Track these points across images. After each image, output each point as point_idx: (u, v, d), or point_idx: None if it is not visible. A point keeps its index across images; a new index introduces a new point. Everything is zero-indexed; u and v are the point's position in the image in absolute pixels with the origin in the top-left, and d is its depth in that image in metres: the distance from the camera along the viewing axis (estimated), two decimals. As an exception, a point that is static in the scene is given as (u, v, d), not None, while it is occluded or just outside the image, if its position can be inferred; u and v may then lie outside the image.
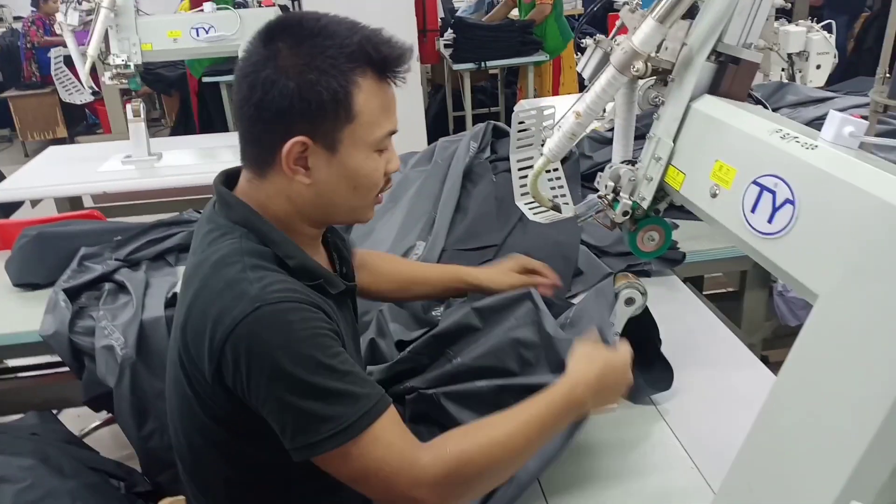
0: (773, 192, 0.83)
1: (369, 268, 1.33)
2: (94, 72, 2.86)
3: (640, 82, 1.22)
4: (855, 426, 0.66)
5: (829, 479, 0.67)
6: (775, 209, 0.83)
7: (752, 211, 0.87)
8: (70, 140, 6.02)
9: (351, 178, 0.97)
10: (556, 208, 1.28)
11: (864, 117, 2.22)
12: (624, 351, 1.09)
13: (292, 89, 0.90)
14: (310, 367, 0.86)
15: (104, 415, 2.48)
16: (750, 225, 0.87)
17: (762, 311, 2.00)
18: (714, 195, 0.95)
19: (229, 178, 1.04)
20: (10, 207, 2.96)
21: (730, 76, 1.05)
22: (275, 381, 0.86)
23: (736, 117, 0.96)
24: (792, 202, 0.80)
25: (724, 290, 2.41)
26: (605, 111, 2.24)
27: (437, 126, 4.96)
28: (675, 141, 1.07)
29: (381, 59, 0.94)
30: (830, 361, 0.70)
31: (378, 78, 0.95)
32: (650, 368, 1.30)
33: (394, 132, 1.00)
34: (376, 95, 0.95)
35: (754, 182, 0.87)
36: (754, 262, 1.85)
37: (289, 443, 0.88)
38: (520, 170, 1.37)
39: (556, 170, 1.39)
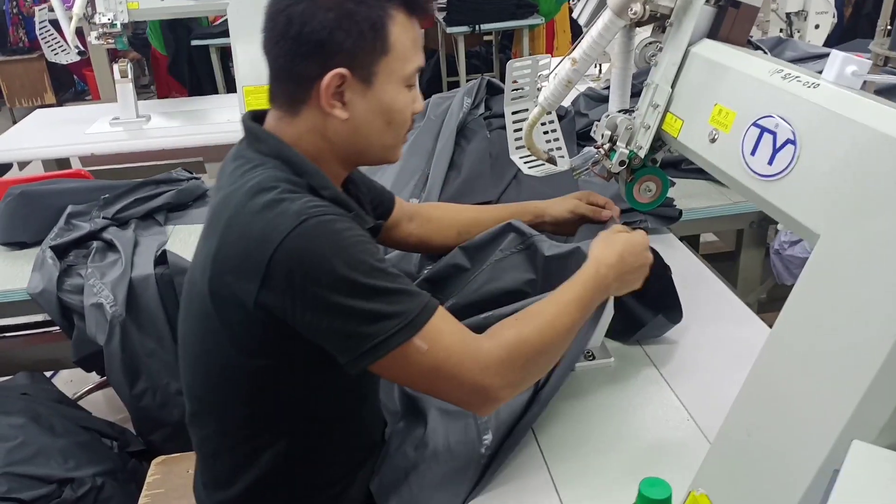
0: (774, 133, 0.81)
1: (423, 217, 1.32)
2: (81, 35, 2.81)
3: (638, 38, 1.20)
4: (857, 364, 0.64)
5: (830, 418, 0.66)
6: (776, 150, 0.81)
7: (752, 154, 0.85)
8: (58, 106, 5.94)
9: (385, 112, 0.97)
10: (552, 160, 1.26)
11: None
12: (641, 234, 1.12)
13: (332, 20, 0.90)
14: (365, 270, 0.86)
15: (97, 378, 2.48)
16: (750, 168, 0.85)
17: (758, 270, 1.99)
18: (713, 140, 0.93)
19: (256, 118, 1.02)
20: (1, 171, 2.92)
21: (730, 20, 1.02)
22: (333, 288, 0.85)
23: (736, 60, 0.93)
24: (793, 142, 0.78)
25: (719, 252, 2.41)
26: (601, 71, 2.21)
27: (431, 91, 4.82)
28: (672, 87, 1.04)
29: None
30: (832, 300, 0.69)
31: (408, 13, 0.96)
32: (662, 303, 1.27)
33: (422, 68, 1.00)
34: (408, 29, 0.96)
35: (754, 124, 0.85)
36: (750, 221, 1.87)
37: (351, 352, 0.87)
38: (514, 122, 1.34)
39: (551, 122, 1.36)
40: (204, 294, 0.94)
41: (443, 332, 0.90)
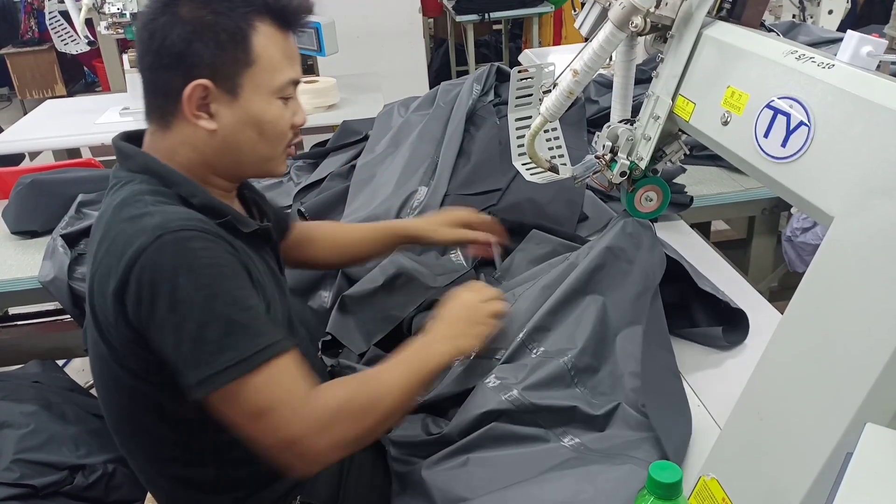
0: (788, 115, 0.80)
1: (310, 237, 1.33)
2: (91, 26, 2.81)
3: (640, 48, 1.19)
4: (871, 347, 0.64)
5: (843, 401, 0.65)
6: (789, 132, 0.80)
7: (766, 136, 0.84)
8: (68, 97, 5.96)
9: (255, 124, 0.96)
10: (554, 169, 1.25)
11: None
12: (477, 287, 1.13)
13: (189, 32, 0.91)
14: (210, 295, 0.84)
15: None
16: (763, 150, 0.84)
17: (770, 257, 1.98)
18: (725, 123, 0.92)
19: (130, 138, 1.02)
20: (10, 161, 2.93)
21: (743, 2, 1.01)
22: (175, 308, 0.83)
23: (749, 41, 0.92)
24: (807, 124, 0.77)
25: (730, 240, 2.39)
26: (611, 58, 2.19)
27: (440, 81, 4.87)
28: (684, 72, 1.03)
29: (279, 6, 0.95)
30: (846, 282, 0.68)
31: (278, 26, 0.96)
32: (729, 319, 1.22)
33: (297, 82, 0.99)
34: (276, 42, 0.96)
35: (768, 106, 0.84)
36: (762, 208, 1.85)
37: (185, 379, 0.85)
38: (518, 129, 1.35)
39: (554, 129, 1.37)
40: (90, 317, 0.94)
41: (277, 379, 0.86)
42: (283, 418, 0.85)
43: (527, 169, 1.33)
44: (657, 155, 1.14)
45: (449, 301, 1.10)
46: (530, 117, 1.34)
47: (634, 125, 1.14)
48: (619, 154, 1.15)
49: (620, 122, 1.17)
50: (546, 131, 1.38)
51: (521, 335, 1.11)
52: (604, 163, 1.17)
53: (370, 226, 1.42)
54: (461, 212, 1.40)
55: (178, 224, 0.86)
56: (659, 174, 1.18)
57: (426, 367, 0.99)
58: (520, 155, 1.35)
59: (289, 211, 1.31)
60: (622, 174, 1.15)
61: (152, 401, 0.96)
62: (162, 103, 0.96)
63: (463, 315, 1.07)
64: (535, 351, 1.10)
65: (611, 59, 2.43)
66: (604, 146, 1.16)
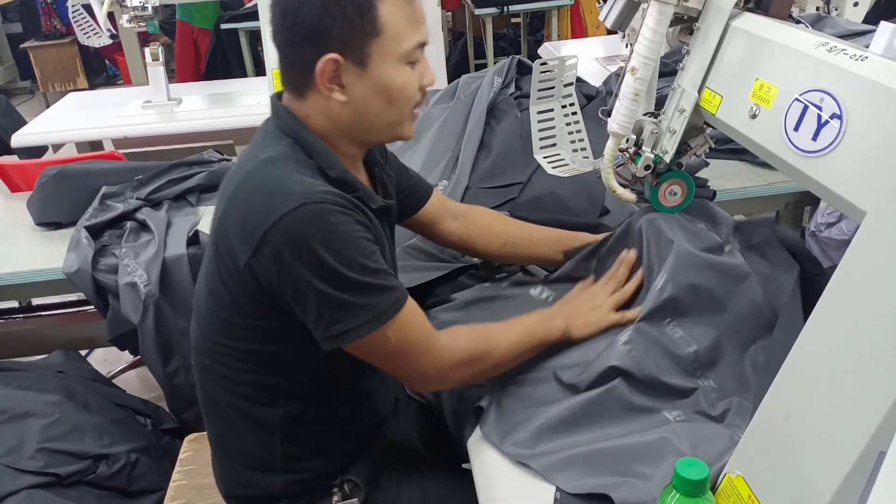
0: (819, 108, 0.79)
1: (469, 219, 1.33)
2: (113, 19, 2.83)
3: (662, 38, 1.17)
4: (904, 344, 0.62)
5: (875, 399, 0.64)
6: (820, 126, 0.79)
7: (796, 129, 0.83)
8: (91, 90, 6.01)
9: (384, 91, 0.98)
10: (640, 196, 1.22)
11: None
12: (599, 288, 1.18)
13: (318, 7, 0.93)
14: (348, 265, 0.91)
15: (131, 358, 2.52)
16: (793, 144, 0.83)
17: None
18: (754, 116, 0.91)
19: (281, 98, 1.06)
20: (33, 154, 2.96)
21: (771, -7, 1.00)
22: (316, 274, 0.90)
23: (778, 33, 0.91)
24: (839, 117, 0.76)
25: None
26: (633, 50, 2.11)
27: (458, 75, 4.85)
28: (711, 64, 1.02)
29: None
30: (878, 278, 0.67)
31: None
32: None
33: (424, 44, 1.01)
34: (401, 8, 0.97)
35: (798, 99, 0.83)
36: (786, 203, 1.83)
37: (323, 331, 0.94)
38: (540, 122, 1.34)
39: (577, 122, 1.35)
40: (211, 251, 1.00)
41: (409, 326, 0.98)
42: (415, 356, 1.00)
43: (549, 162, 1.32)
44: (682, 148, 1.13)
45: (579, 291, 1.21)
46: (552, 110, 1.33)
47: (659, 118, 1.13)
48: (643, 147, 1.14)
49: (645, 115, 1.16)
50: (568, 124, 1.37)
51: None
52: (628, 156, 1.16)
53: (550, 229, 1.40)
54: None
55: (321, 196, 0.92)
56: (683, 168, 1.17)
57: (537, 336, 1.09)
58: (541, 148, 1.34)
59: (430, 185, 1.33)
60: (646, 168, 1.14)
61: (254, 336, 1.02)
62: (296, 76, 0.99)
63: (584, 301, 1.17)
64: (674, 330, 1.09)
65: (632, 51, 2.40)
66: (628, 139, 1.15)
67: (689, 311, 1.09)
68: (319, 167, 0.98)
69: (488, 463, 0.99)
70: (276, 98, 1.05)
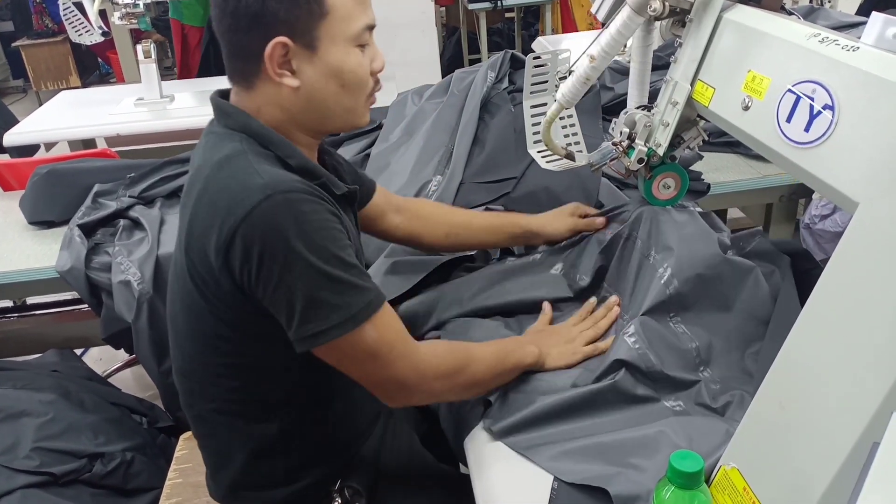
0: (811, 99, 0.79)
1: (411, 212, 1.32)
2: (105, 17, 2.82)
3: (657, 32, 1.17)
4: (897, 334, 0.62)
5: (869, 389, 0.64)
6: (813, 117, 0.79)
7: (788, 121, 0.82)
8: (83, 88, 5.98)
9: (336, 75, 0.96)
10: (570, 156, 1.24)
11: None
12: (579, 317, 1.17)
13: None
14: (323, 257, 0.88)
15: (126, 357, 2.51)
16: (785, 135, 0.83)
17: (788, 245, 1.96)
18: (746, 108, 0.91)
19: (223, 96, 1.03)
20: (27, 152, 2.95)
21: (764, -16, 1.00)
22: (288, 268, 0.87)
23: (771, 24, 0.91)
24: (831, 108, 0.76)
25: (748, 227, 2.36)
26: (625, 46, 2.15)
27: (452, 70, 4.84)
28: (703, 56, 1.02)
29: None
30: (871, 269, 0.67)
31: None
32: None
33: (372, 27, 0.99)
34: None
35: (790, 90, 0.82)
36: (780, 195, 1.83)
37: (295, 332, 0.90)
38: (533, 116, 1.33)
39: (570, 116, 1.35)
40: (183, 268, 0.97)
41: (386, 327, 0.94)
42: (391, 359, 0.94)
43: (542, 156, 1.32)
44: (675, 141, 1.13)
45: (554, 327, 1.18)
46: (546, 104, 1.33)
47: (652, 111, 1.13)
48: (636, 141, 1.13)
49: (638, 108, 1.16)
50: (561, 118, 1.37)
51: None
52: (621, 149, 1.16)
53: (490, 214, 1.40)
54: (571, 205, 1.40)
55: (287, 185, 0.88)
56: (677, 161, 1.17)
57: (511, 359, 1.06)
58: (535, 142, 1.34)
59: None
60: (640, 161, 1.14)
61: (236, 349, 1.00)
62: (243, 65, 0.96)
63: (559, 333, 1.15)
64: (677, 325, 1.10)
65: (625, 46, 2.41)
66: (621, 133, 1.15)
67: (693, 305, 1.09)
68: (278, 157, 0.95)
69: (485, 465, 0.99)
70: (218, 97, 1.01)
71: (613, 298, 1.19)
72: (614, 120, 1.18)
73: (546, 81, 1.32)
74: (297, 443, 1.07)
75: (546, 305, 1.23)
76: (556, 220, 1.36)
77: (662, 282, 1.08)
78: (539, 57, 1.30)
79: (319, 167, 1.00)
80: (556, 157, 1.27)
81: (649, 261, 1.14)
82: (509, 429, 1.00)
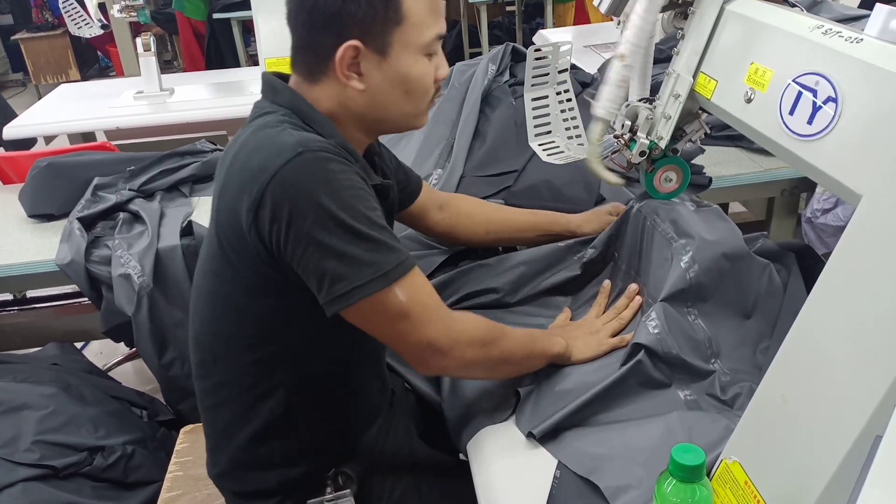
0: (814, 91, 0.78)
1: (453, 209, 1.32)
2: (105, 10, 2.81)
3: (659, 24, 1.16)
4: (900, 327, 0.62)
5: (872, 382, 0.64)
6: (816, 109, 0.78)
7: (791, 113, 0.82)
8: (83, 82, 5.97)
9: (403, 82, 0.96)
10: (627, 177, 1.22)
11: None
12: (604, 321, 1.17)
13: None
14: (351, 213, 0.87)
15: (126, 350, 2.51)
16: (788, 128, 0.82)
17: (790, 239, 1.96)
18: (749, 100, 0.90)
19: (277, 76, 1.03)
20: (26, 145, 2.95)
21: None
22: (318, 224, 0.86)
23: (773, 16, 0.90)
24: (834, 100, 0.75)
25: (749, 221, 2.36)
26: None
27: (453, 63, 4.82)
28: (706, 48, 1.01)
29: None
30: (875, 262, 0.66)
31: None
32: None
33: (442, 36, 0.99)
34: None
35: (793, 82, 0.82)
36: (782, 189, 1.82)
37: (326, 293, 0.89)
38: (534, 109, 1.33)
39: (571, 109, 1.35)
40: (213, 233, 0.97)
41: (420, 288, 0.92)
42: (425, 320, 0.92)
43: (544, 150, 1.32)
44: (677, 134, 1.12)
45: (579, 324, 1.18)
46: (546, 97, 1.32)
47: (654, 104, 1.12)
48: (638, 133, 1.13)
49: (640, 101, 1.15)
50: (563, 111, 1.36)
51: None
52: (623, 142, 1.15)
53: (530, 212, 1.40)
54: (609, 205, 1.41)
55: (318, 145, 0.88)
56: (679, 154, 1.17)
57: (539, 345, 1.06)
58: (536, 136, 1.34)
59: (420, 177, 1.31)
60: (641, 154, 1.13)
61: (256, 320, 0.99)
62: (311, 61, 0.96)
63: (582, 326, 1.16)
64: (695, 319, 1.10)
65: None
66: (623, 125, 1.14)
67: (710, 297, 1.10)
68: (319, 134, 0.94)
69: (486, 459, 0.99)
70: (271, 74, 1.02)
71: (633, 287, 1.19)
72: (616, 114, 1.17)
73: (547, 74, 1.31)
74: (300, 427, 1.07)
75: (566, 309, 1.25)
76: (595, 219, 1.37)
77: (683, 265, 1.08)
78: (539, 49, 1.29)
79: (357, 153, 0.99)
80: (557, 149, 1.27)
81: (671, 245, 1.14)
82: (550, 430, 0.99)
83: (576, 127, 1.35)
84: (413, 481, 1.18)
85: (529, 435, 0.99)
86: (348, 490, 1.10)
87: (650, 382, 1.02)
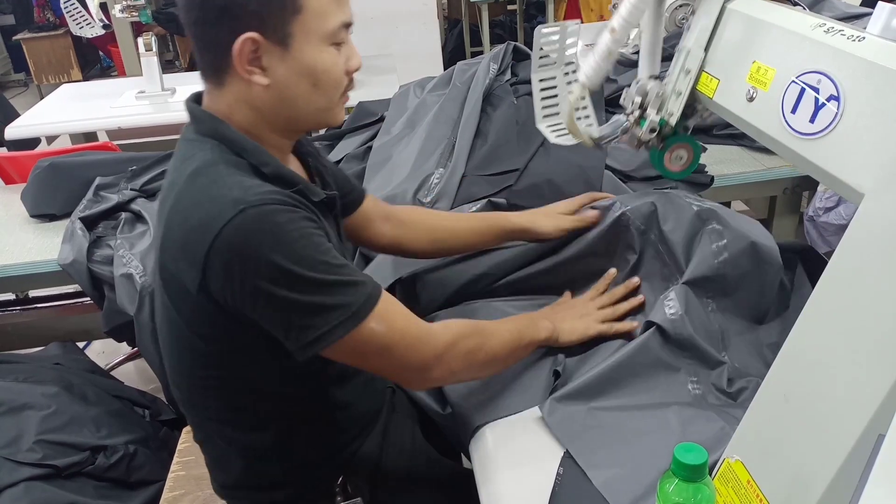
0: (816, 90, 0.78)
1: (397, 219, 1.28)
2: (106, 10, 2.81)
3: (668, 2, 1.15)
4: (903, 326, 0.62)
5: (874, 381, 0.64)
6: (818, 107, 0.78)
7: (793, 112, 0.82)
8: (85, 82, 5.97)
9: (309, 73, 0.91)
10: (598, 146, 1.22)
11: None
12: (599, 303, 1.17)
13: None
14: (308, 265, 0.85)
15: (128, 350, 2.51)
16: (790, 126, 0.82)
17: (791, 238, 1.95)
18: (751, 99, 0.90)
19: (198, 100, 0.99)
20: (28, 145, 2.95)
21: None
22: (274, 282, 0.83)
23: (775, 14, 0.90)
24: (836, 98, 0.75)
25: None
26: (629, 37, 2.14)
27: (454, 62, 4.83)
28: (707, 47, 1.01)
29: None
30: (877, 260, 0.66)
31: None
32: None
33: (349, 24, 0.94)
34: None
35: (795, 81, 0.82)
36: (784, 188, 1.82)
37: (295, 341, 0.87)
38: (542, 90, 1.31)
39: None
40: (159, 283, 0.94)
41: (394, 314, 0.92)
42: (405, 346, 0.92)
43: (552, 131, 1.30)
44: (688, 111, 1.11)
45: (568, 300, 1.19)
46: (554, 78, 1.30)
47: (664, 80, 1.11)
48: (648, 110, 1.11)
49: (650, 77, 1.13)
50: (570, 92, 1.34)
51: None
52: (633, 120, 1.14)
53: (475, 216, 1.37)
54: (564, 202, 1.37)
55: (258, 198, 0.84)
56: (689, 132, 1.15)
57: (527, 335, 1.06)
58: (544, 117, 1.32)
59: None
60: (651, 131, 1.12)
61: (219, 362, 0.97)
62: (213, 60, 0.92)
63: (573, 307, 1.16)
64: (711, 303, 1.11)
65: (629, 37, 2.38)
66: (632, 102, 1.13)
67: (731, 293, 1.11)
68: (251, 165, 0.91)
69: (489, 462, 0.99)
70: (192, 101, 0.97)
71: (635, 280, 1.19)
72: (626, 89, 1.16)
73: (555, 55, 1.29)
74: (295, 447, 1.06)
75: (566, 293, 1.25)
76: (545, 218, 1.31)
77: (714, 248, 1.09)
78: (547, 27, 1.27)
79: (294, 174, 0.96)
80: (565, 130, 1.25)
81: (706, 226, 1.14)
82: (560, 413, 1.01)
83: (584, 108, 1.33)
84: (421, 487, 1.17)
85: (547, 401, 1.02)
86: (359, 498, 1.10)
87: (658, 363, 1.03)
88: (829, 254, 0.73)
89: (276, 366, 0.94)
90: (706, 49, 1.01)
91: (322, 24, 0.90)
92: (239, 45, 0.87)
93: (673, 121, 1.10)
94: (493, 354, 1.01)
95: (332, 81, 0.94)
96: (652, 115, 1.11)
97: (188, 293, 0.88)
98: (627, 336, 1.12)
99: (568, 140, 1.27)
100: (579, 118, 1.32)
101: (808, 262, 1.17)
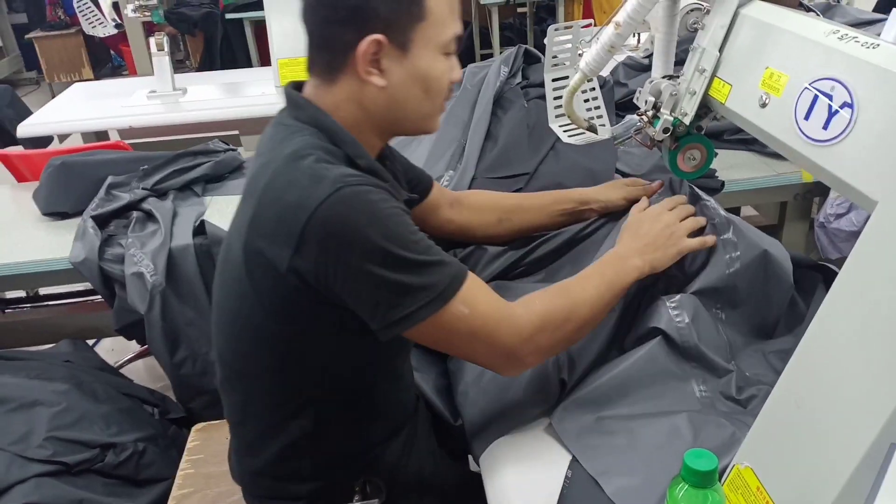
0: (830, 96, 0.78)
1: (465, 203, 1.30)
2: (118, 9, 2.83)
3: (683, 1, 1.15)
4: (915, 334, 0.62)
5: (886, 389, 0.64)
6: (831, 114, 0.78)
7: (806, 118, 0.82)
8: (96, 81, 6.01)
9: (422, 80, 0.95)
10: (592, 129, 1.22)
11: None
12: (662, 210, 1.15)
13: None
14: (399, 242, 0.87)
15: (138, 348, 2.53)
16: (803, 133, 0.82)
17: (802, 244, 1.95)
18: (763, 105, 0.90)
19: (297, 87, 1.02)
20: (39, 144, 2.97)
21: (782, -20, 0.99)
22: (367, 257, 0.86)
23: (789, 21, 0.90)
24: (850, 105, 0.75)
25: (761, 226, 2.35)
26: (639, 40, 2.13)
27: (464, 65, 4.81)
28: (720, 51, 1.01)
29: None
30: (889, 268, 0.66)
31: None
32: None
33: (460, 37, 0.98)
34: None
35: (808, 87, 0.82)
36: (794, 193, 1.82)
37: (381, 320, 0.89)
38: (555, 90, 1.31)
39: (592, 89, 1.33)
40: (238, 259, 0.95)
41: (477, 299, 0.92)
42: (493, 330, 0.92)
43: (564, 131, 1.30)
44: (702, 111, 1.10)
45: (644, 216, 1.15)
46: (566, 77, 1.30)
47: (678, 80, 1.11)
48: (661, 110, 1.11)
49: (664, 77, 1.13)
50: (584, 91, 1.34)
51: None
52: (646, 119, 1.14)
53: (541, 193, 1.37)
54: (624, 179, 1.37)
55: (355, 179, 0.88)
56: (703, 132, 1.15)
57: (619, 282, 1.04)
58: (557, 116, 1.32)
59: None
60: (665, 131, 1.12)
61: (286, 345, 0.98)
62: (330, 58, 0.95)
63: (658, 231, 1.11)
64: (720, 314, 1.11)
65: (639, 40, 2.38)
66: (646, 102, 1.13)
67: (740, 304, 1.10)
68: (347, 156, 0.94)
69: (497, 466, 0.99)
70: (292, 88, 1.01)
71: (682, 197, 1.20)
72: (639, 90, 1.16)
73: (567, 54, 1.29)
74: (329, 440, 1.06)
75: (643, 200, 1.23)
76: (610, 189, 1.33)
77: (726, 259, 1.09)
78: (560, 27, 1.27)
79: (385, 172, 0.99)
80: (578, 130, 1.25)
81: (721, 235, 1.13)
82: (568, 420, 1.01)
83: (597, 108, 1.34)
84: (438, 493, 1.17)
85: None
86: (376, 500, 1.10)
87: (666, 372, 1.02)
88: (840, 260, 0.73)
89: (338, 351, 0.95)
90: (720, 51, 1.01)
91: (440, 33, 0.94)
92: (364, 45, 0.91)
93: (687, 120, 1.10)
94: (583, 320, 0.99)
95: (441, 89, 0.98)
96: (666, 115, 1.11)
97: (274, 270, 0.89)
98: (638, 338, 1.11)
99: (579, 139, 1.27)
100: (591, 118, 1.32)
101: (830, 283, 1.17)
